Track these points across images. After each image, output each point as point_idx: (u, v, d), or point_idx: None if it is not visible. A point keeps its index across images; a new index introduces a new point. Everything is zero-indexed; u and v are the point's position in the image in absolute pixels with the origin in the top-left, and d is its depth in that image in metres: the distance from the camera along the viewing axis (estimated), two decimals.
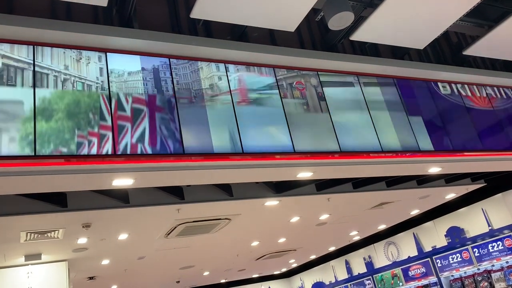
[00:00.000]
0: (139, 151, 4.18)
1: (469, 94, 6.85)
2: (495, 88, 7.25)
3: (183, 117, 4.56)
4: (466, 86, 6.90)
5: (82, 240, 6.99)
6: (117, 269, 9.70)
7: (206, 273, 13.13)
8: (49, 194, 5.51)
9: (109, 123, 4.16)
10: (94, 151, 3.98)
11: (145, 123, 4.34)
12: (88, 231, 6.54)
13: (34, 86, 4.00)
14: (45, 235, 6.40)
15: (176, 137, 4.43)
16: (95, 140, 4.03)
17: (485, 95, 7.03)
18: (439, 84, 6.65)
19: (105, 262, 8.73)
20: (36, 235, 6.33)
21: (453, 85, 6.78)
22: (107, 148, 4.04)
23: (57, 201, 5.70)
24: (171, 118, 4.50)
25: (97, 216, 6.16)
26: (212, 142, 4.59)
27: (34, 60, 4.12)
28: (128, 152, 4.12)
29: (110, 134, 4.11)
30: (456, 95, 6.71)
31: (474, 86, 7.01)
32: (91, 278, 9.94)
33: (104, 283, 11.11)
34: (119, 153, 4.07)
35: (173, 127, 4.46)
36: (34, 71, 4.07)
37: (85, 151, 3.94)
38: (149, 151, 4.23)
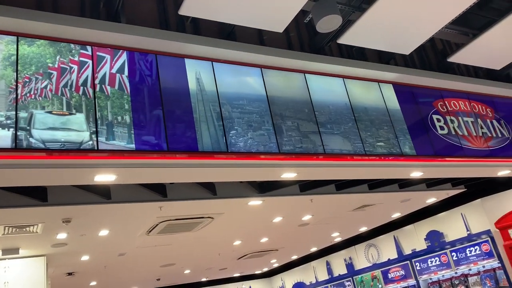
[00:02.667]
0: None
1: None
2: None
3: (169, 114, 4.54)
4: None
5: (62, 235, 6.90)
6: (96, 265, 9.60)
7: (187, 271, 13.08)
8: (29, 188, 5.42)
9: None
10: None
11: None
12: (68, 226, 6.45)
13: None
14: (24, 229, 6.30)
15: (161, 134, 4.40)
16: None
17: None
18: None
19: (85, 258, 8.63)
20: (14, 229, 6.22)
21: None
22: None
23: (37, 195, 5.62)
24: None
25: (77, 212, 6.08)
26: (197, 140, 4.58)
27: (17, 51, 4.06)
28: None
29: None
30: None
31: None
32: (70, 274, 9.82)
33: (83, 279, 10.98)
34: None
35: (158, 123, 4.44)
36: (17, 62, 4.01)
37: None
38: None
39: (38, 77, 4.09)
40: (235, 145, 4.78)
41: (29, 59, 4.10)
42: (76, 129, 3.74)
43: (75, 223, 6.45)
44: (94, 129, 3.95)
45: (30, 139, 3.55)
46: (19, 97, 3.92)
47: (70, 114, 3.81)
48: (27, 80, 4.03)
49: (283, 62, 5.58)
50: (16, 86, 3.94)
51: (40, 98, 4.02)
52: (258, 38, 5.86)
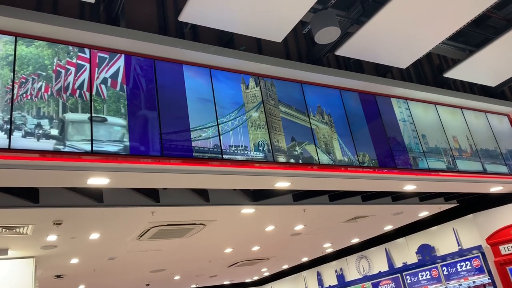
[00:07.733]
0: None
1: None
2: None
3: (164, 119, 4.54)
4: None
5: (52, 238, 6.84)
6: (86, 269, 9.51)
7: (176, 278, 12.98)
8: (20, 189, 5.37)
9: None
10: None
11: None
12: (59, 228, 6.40)
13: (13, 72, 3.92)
14: (14, 230, 6.24)
15: (156, 139, 4.39)
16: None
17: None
18: None
19: (74, 261, 8.55)
20: (4, 230, 6.16)
21: None
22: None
23: (29, 196, 5.56)
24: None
25: (69, 214, 6.03)
26: (192, 146, 4.57)
27: (15, 51, 4.05)
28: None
29: None
30: None
31: None
32: (58, 276, 9.72)
33: (72, 282, 10.87)
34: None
35: (153, 129, 4.43)
36: (14, 62, 4.00)
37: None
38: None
39: (35, 78, 4.08)
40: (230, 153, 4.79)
41: (27, 60, 4.10)
42: None
43: (66, 226, 6.40)
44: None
45: None
46: (15, 97, 3.90)
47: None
48: (24, 80, 4.02)
49: (280, 71, 5.60)
50: (13, 86, 3.93)
51: (36, 99, 4.01)
52: (257, 47, 5.89)
